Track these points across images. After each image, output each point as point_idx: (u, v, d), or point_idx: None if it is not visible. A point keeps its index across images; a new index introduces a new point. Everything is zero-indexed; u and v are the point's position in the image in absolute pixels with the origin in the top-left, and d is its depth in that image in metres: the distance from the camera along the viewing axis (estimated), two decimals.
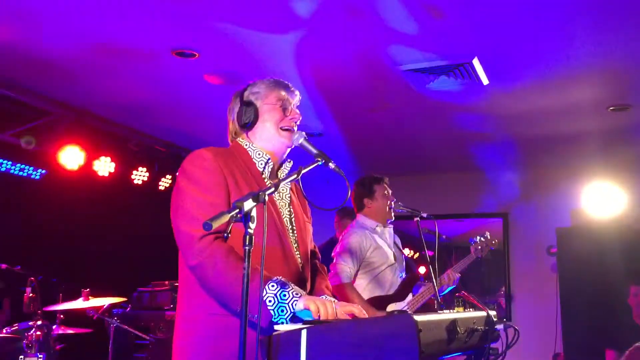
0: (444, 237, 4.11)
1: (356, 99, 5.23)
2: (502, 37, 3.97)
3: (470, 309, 2.26)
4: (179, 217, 2.07)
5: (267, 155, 2.27)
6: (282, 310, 1.88)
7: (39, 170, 5.62)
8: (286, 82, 2.38)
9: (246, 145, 2.30)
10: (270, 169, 2.28)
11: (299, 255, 2.23)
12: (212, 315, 2.03)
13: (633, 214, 6.51)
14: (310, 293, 2.28)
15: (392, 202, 4.18)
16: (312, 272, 2.36)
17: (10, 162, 5.36)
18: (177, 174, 2.18)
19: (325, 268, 2.50)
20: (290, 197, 2.34)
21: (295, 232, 2.27)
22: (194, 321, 2.08)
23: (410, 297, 4.12)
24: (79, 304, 4.35)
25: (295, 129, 2.31)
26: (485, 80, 4.63)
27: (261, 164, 2.26)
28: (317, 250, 2.50)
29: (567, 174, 7.13)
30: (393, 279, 4.15)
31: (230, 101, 2.41)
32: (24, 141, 3.54)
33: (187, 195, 2.09)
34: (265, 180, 2.26)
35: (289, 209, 2.30)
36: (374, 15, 3.69)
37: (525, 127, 5.93)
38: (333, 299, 2.22)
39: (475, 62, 4.29)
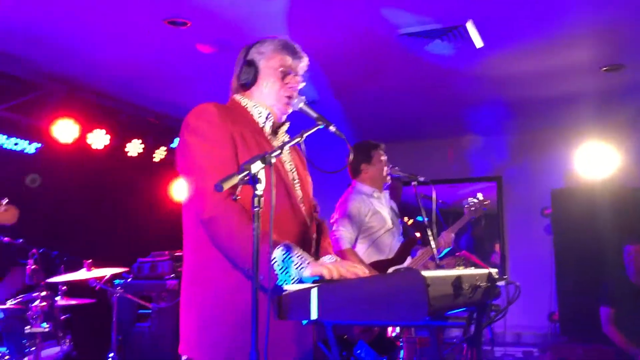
0: (440, 201, 4.14)
1: (350, 65, 5.21)
2: None
3: (472, 268, 2.30)
4: (189, 172, 2.07)
5: (267, 110, 2.27)
6: (289, 275, 1.90)
7: (34, 144, 5.60)
8: (294, 46, 2.33)
9: (244, 102, 2.29)
10: (270, 125, 2.28)
11: (304, 209, 2.25)
12: (222, 269, 2.04)
13: (626, 173, 6.58)
14: (317, 251, 2.30)
15: (388, 168, 4.20)
16: (316, 228, 2.38)
17: (5, 136, 5.34)
18: (182, 129, 2.15)
19: (325, 223, 2.51)
20: (290, 153, 2.36)
21: (299, 186, 2.29)
22: (204, 276, 2.08)
23: (409, 260, 4.17)
24: (81, 274, 4.38)
25: (295, 95, 2.27)
26: (478, 43, 4.62)
27: (262, 120, 2.26)
28: (315, 201, 2.51)
29: (561, 136, 7.17)
30: (392, 243, 4.20)
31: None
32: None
33: (195, 149, 2.07)
34: (268, 136, 2.26)
35: (291, 164, 2.32)
36: None
37: (518, 89, 5.94)
38: (337, 258, 2.25)
39: (469, 25, 4.28)
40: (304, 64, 2.35)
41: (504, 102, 6.38)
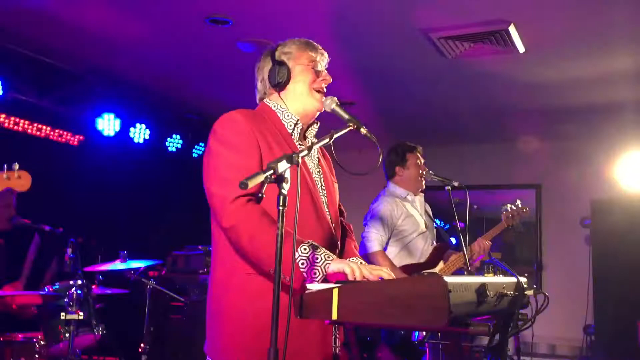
0: (475, 206, 4.07)
1: (388, 67, 5.19)
2: (539, 3, 3.89)
3: (500, 275, 2.27)
4: (211, 179, 2.08)
5: (296, 116, 2.27)
6: (314, 273, 1.91)
7: (77, 136, 5.75)
8: (316, 44, 2.36)
9: (274, 106, 2.29)
10: (299, 131, 2.28)
11: (329, 215, 2.24)
12: (247, 275, 2.05)
13: None
14: (341, 254, 2.30)
15: (424, 172, 4.16)
16: (341, 232, 2.37)
17: (49, 128, 5.49)
18: (209, 136, 2.16)
19: (351, 226, 2.52)
20: (318, 157, 2.35)
21: (325, 192, 2.28)
22: (229, 282, 2.09)
23: (441, 265, 4.13)
24: (117, 265, 4.49)
25: (325, 90, 2.31)
26: (521, 48, 4.55)
27: (290, 125, 2.26)
28: (342, 207, 2.51)
29: (603, 145, 6.98)
30: (424, 247, 4.16)
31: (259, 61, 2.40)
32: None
33: (219, 157, 2.09)
34: (295, 141, 2.26)
35: (317, 169, 2.31)
36: None
37: (560, 96, 5.82)
38: (362, 261, 2.25)
39: (512, 29, 4.22)
40: (326, 60, 2.37)
41: (545, 109, 6.27)
